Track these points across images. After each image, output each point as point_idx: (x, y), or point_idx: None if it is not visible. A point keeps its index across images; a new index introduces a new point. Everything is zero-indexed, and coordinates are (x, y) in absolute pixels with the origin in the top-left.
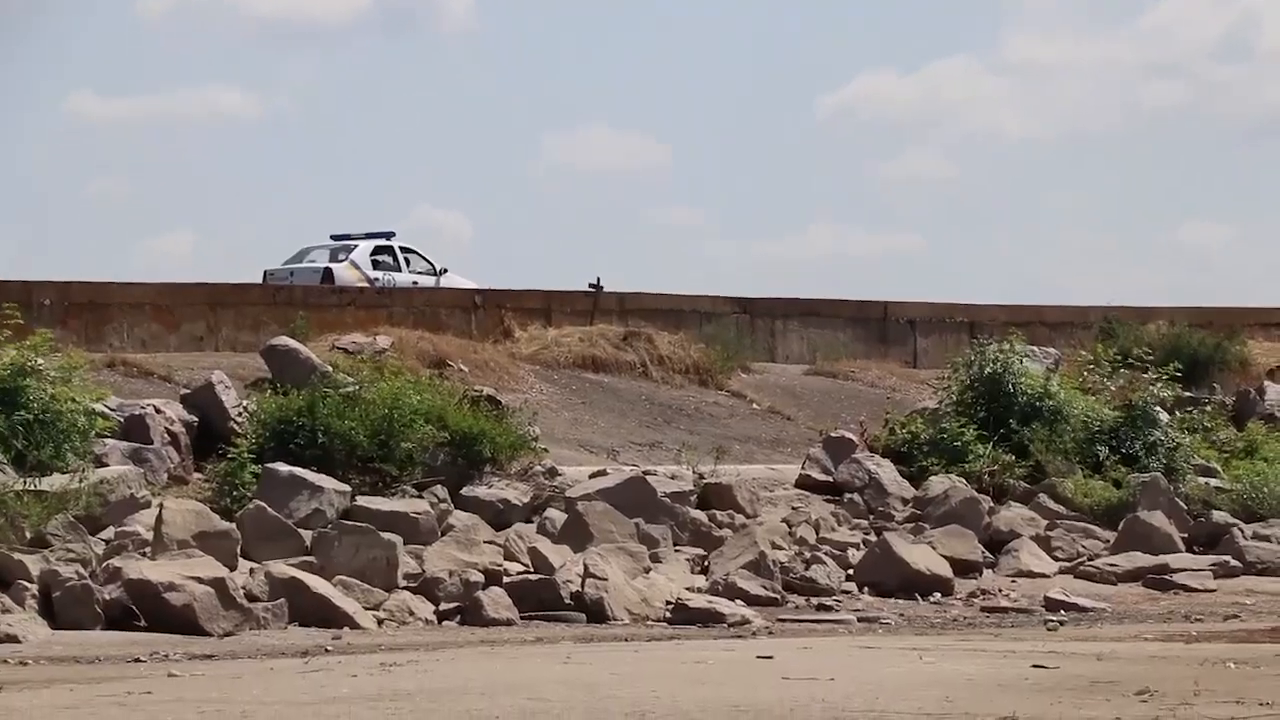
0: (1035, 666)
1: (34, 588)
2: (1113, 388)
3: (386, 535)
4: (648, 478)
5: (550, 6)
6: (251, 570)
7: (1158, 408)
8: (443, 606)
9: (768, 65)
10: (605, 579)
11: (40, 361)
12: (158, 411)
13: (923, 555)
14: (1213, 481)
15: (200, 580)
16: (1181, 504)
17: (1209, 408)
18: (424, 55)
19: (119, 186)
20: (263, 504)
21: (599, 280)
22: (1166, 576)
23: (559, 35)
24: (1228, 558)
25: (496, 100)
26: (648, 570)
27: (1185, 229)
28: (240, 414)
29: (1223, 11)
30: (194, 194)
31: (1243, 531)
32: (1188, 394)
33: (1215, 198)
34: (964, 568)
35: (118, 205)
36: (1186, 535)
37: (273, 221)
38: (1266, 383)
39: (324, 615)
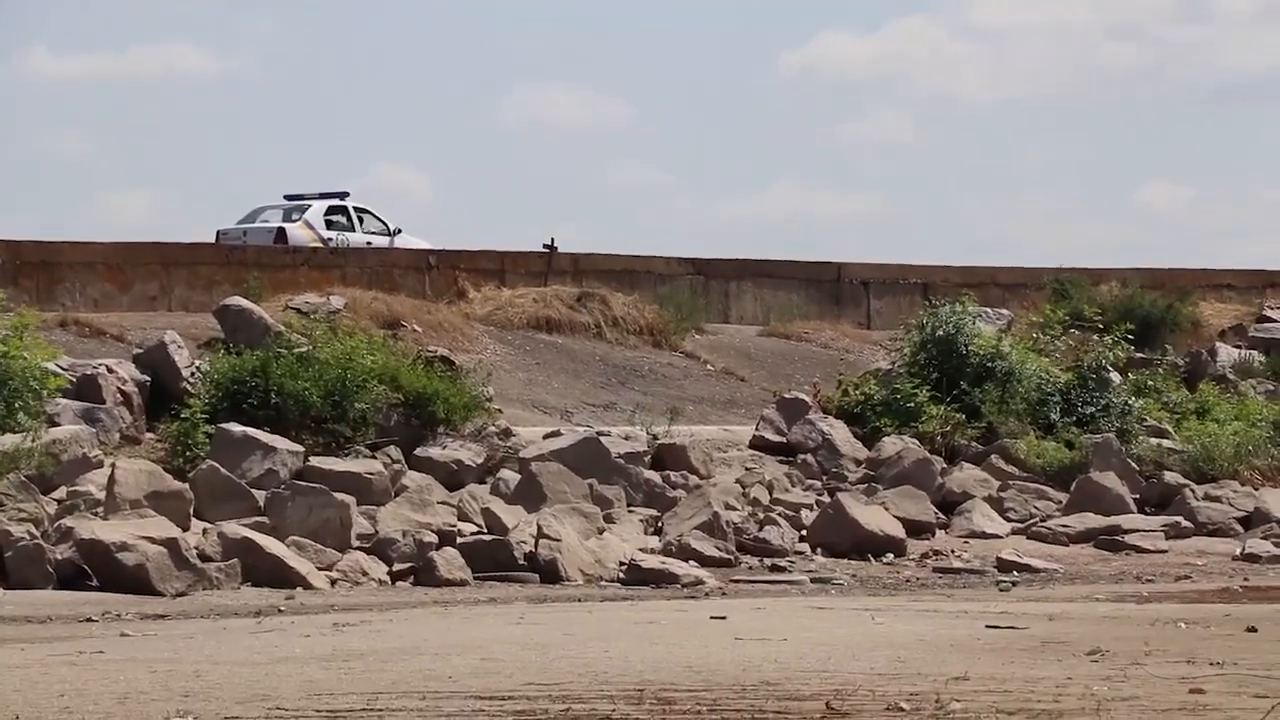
0: (989, 627)
1: None
2: (1063, 348)
3: (340, 496)
4: (601, 438)
5: None
6: (204, 530)
7: (1110, 369)
8: (396, 567)
9: (729, 23)
10: (559, 540)
11: None
12: (110, 371)
13: (875, 516)
14: (1164, 443)
15: (153, 540)
16: (1133, 465)
17: (1161, 369)
18: (383, 13)
19: (73, 145)
20: (215, 464)
21: (553, 241)
22: (1118, 538)
23: None
24: (1179, 519)
25: (456, 58)
26: (601, 531)
27: (1141, 191)
28: (193, 374)
29: None
30: (150, 153)
31: (1194, 493)
32: (1140, 355)
33: (1172, 160)
34: (916, 528)
35: (72, 164)
36: (1138, 496)
37: (230, 181)
38: (1218, 344)
39: (277, 575)
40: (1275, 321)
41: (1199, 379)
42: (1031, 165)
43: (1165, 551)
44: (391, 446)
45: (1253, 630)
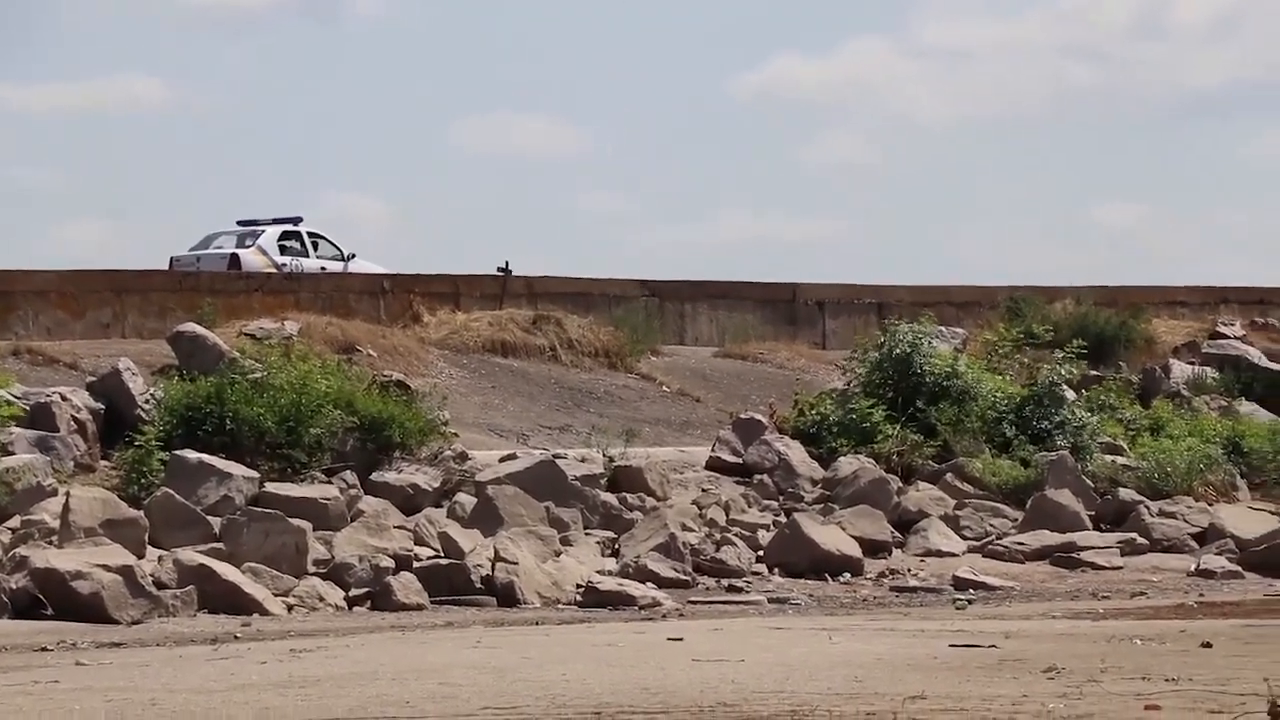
0: (953, 645)
1: None
2: (1017, 366)
3: (295, 521)
4: (558, 461)
5: None
6: (160, 558)
7: (1064, 386)
8: (353, 592)
9: (683, 48)
10: (516, 563)
11: None
12: (64, 399)
13: (832, 536)
14: (1119, 459)
15: (108, 568)
16: (1088, 482)
17: (1115, 386)
18: (337, 42)
19: (25, 174)
20: (171, 491)
21: (507, 264)
22: (1074, 554)
23: (472, 22)
24: (1134, 535)
25: (410, 86)
26: (558, 553)
27: (1097, 209)
28: (147, 401)
29: None
30: (104, 182)
31: (1149, 509)
32: (1094, 372)
33: (1127, 178)
34: (873, 548)
35: (24, 193)
36: (1093, 513)
37: (186, 209)
38: (1172, 361)
39: (233, 602)
40: (1228, 338)
41: (1153, 395)
42: (986, 185)
43: (1121, 568)
44: (347, 471)
45: (1208, 646)
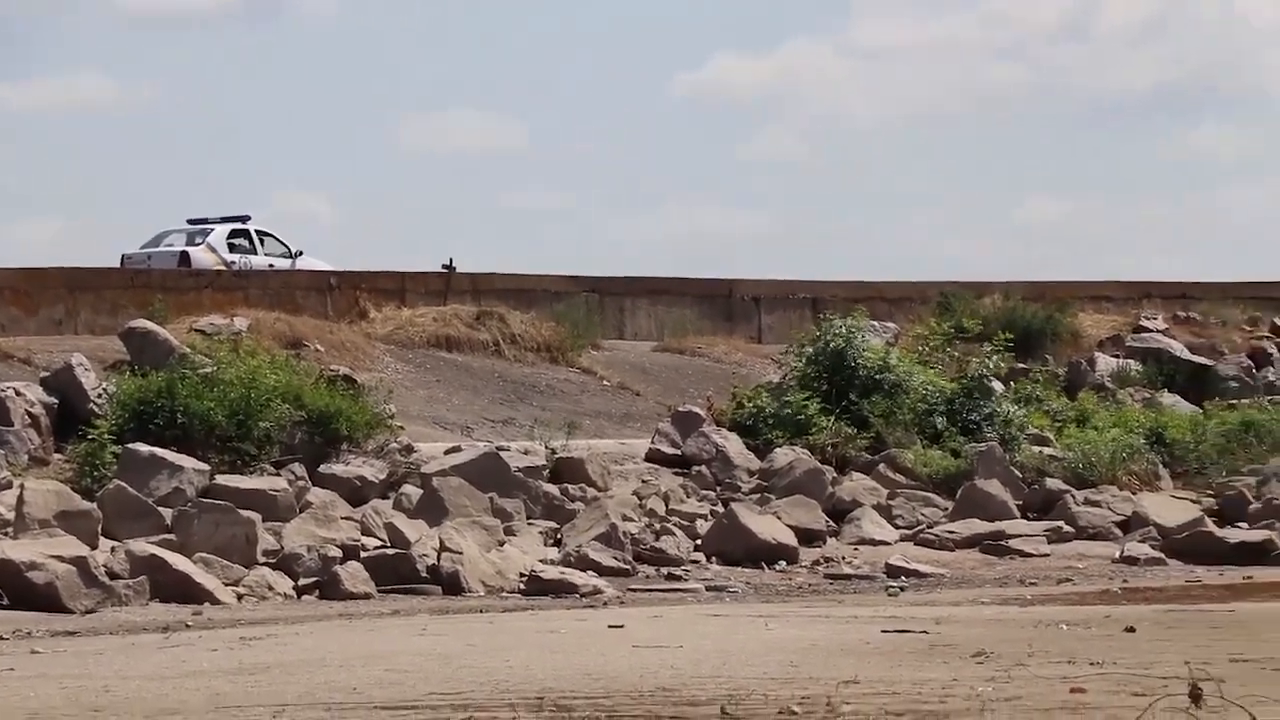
0: (884, 631)
1: None
2: (947, 359)
3: (245, 513)
4: (501, 453)
5: None
6: (113, 549)
7: (993, 379)
8: (301, 581)
9: (623, 47)
10: (460, 552)
11: None
12: (17, 394)
13: (768, 525)
14: (1046, 450)
15: (62, 559)
16: (1016, 472)
17: (1042, 378)
18: (284, 43)
19: None
20: (123, 483)
21: (451, 261)
22: (1002, 542)
23: (416, 21)
24: (1060, 523)
25: (356, 85)
26: (502, 543)
27: (1024, 206)
28: (100, 396)
29: None
30: (55, 180)
31: (1074, 498)
32: (1021, 365)
33: (1053, 176)
34: (808, 536)
35: None
36: (1021, 502)
37: (138, 207)
38: (1097, 354)
39: (184, 591)
40: (1151, 331)
41: (1078, 388)
42: (918, 182)
43: (1047, 555)
44: (296, 464)
45: (1131, 630)
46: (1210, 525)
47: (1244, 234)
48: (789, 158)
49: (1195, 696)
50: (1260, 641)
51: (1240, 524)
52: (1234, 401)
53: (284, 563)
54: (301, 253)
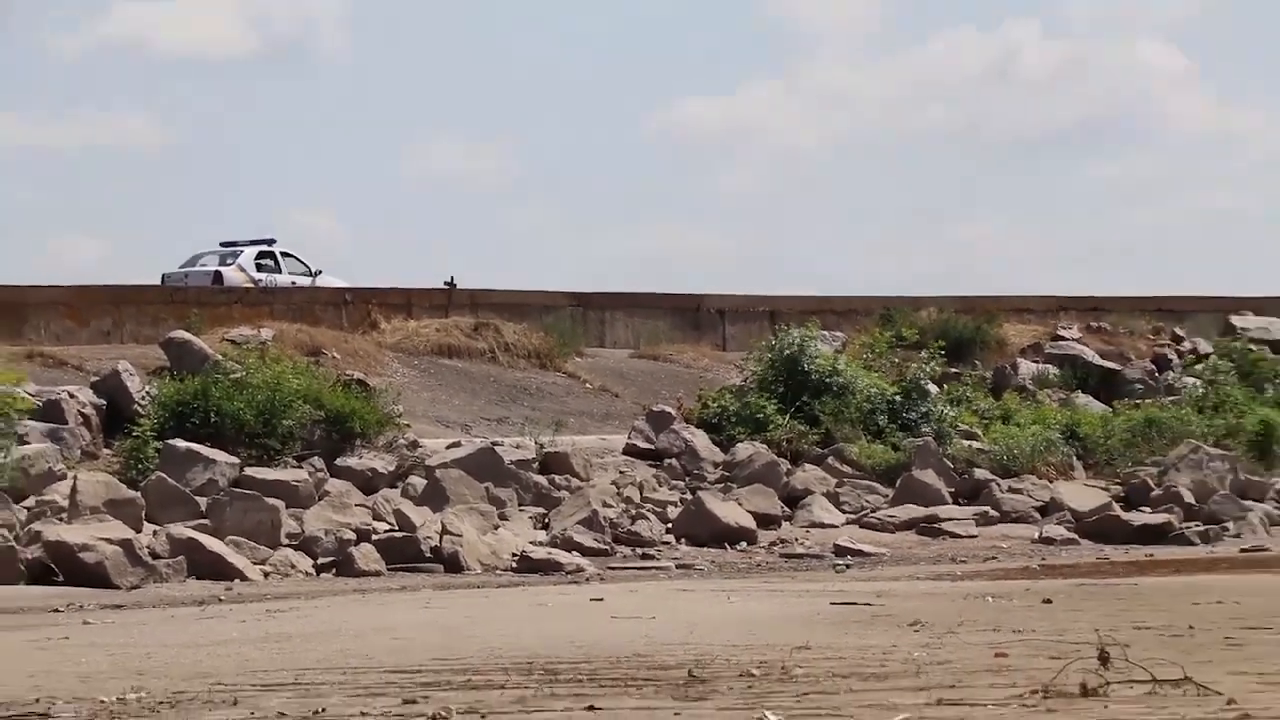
0: (834, 604)
1: None
2: (888, 365)
3: (271, 500)
4: (496, 448)
5: (412, 36)
6: (155, 532)
7: (928, 382)
8: (320, 561)
9: (602, 89)
10: (460, 535)
11: None
12: (71, 397)
13: (731, 511)
14: (974, 444)
15: (110, 541)
16: (948, 463)
17: (971, 382)
18: (302, 83)
19: (28, 197)
20: (163, 475)
21: (452, 279)
22: (936, 525)
23: (420, 61)
24: (987, 508)
25: (365, 117)
26: (496, 527)
27: (956, 229)
28: (143, 398)
29: (988, 45)
30: (104, 208)
31: (999, 486)
32: (953, 370)
33: (980, 202)
34: (766, 520)
35: (26, 214)
36: (953, 490)
37: (174, 231)
38: (1019, 360)
39: (217, 570)
40: (1067, 340)
41: (1003, 390)
42: (862, 208)
43: (975, 536)
44: (315, 457)
45: (1048, 602)
46: (1117, 510)
47: (1148, 254)
48: (750, 187)
49: (1103, 659)
50: (1160, 611)
51: (1143, 508)
52: (1139, 401)
53: (305, 544)
54: (320, 271)
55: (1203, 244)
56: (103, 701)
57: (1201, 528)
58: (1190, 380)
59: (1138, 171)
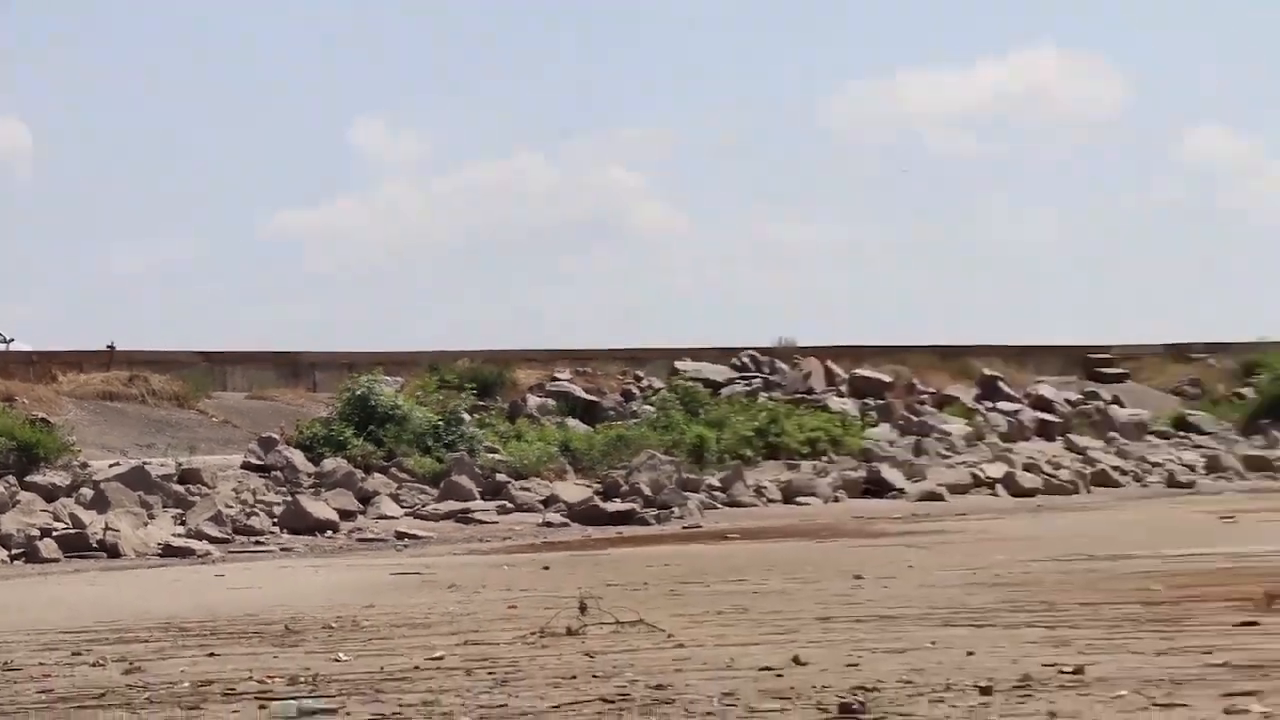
0: (393, 574)
1: None
2: (435, 400)
3: None
4: (145, 466)
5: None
6: None
7: (463, 413)
8: (13, 552)
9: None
10: (119, 530)
11: None
12: None
13: (320, 508)
14: (497, 456)
15: None
16: (479, 470)
17: (494, 412)
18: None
19: None
20: None
21: (113, 344)
22: (469, 515)
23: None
24: (505, 502)
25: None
26: (146, 524)
27: (485, 302)
28: None
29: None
30: None
31: (514, 485)
32: (481, 404)
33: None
34: (346, 514)
35: None
36: (481, 489)
37: None
38: (528, 395)
39: None
40: (561, 381)
41: (518, 416)
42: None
43: (497, 523)
44: (9, 476)
45: (547, 569)
46: (598, 501)
47: (605, 314)
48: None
49: (583, 607)
50: (625, 574)
51: (616, 499)
52: (613, 423)
53: (2, 540)
54: (13, 339)
55: (657, 312)
56: None
57: (656, 512)
58: (648, 408)
59: (612, 262)
